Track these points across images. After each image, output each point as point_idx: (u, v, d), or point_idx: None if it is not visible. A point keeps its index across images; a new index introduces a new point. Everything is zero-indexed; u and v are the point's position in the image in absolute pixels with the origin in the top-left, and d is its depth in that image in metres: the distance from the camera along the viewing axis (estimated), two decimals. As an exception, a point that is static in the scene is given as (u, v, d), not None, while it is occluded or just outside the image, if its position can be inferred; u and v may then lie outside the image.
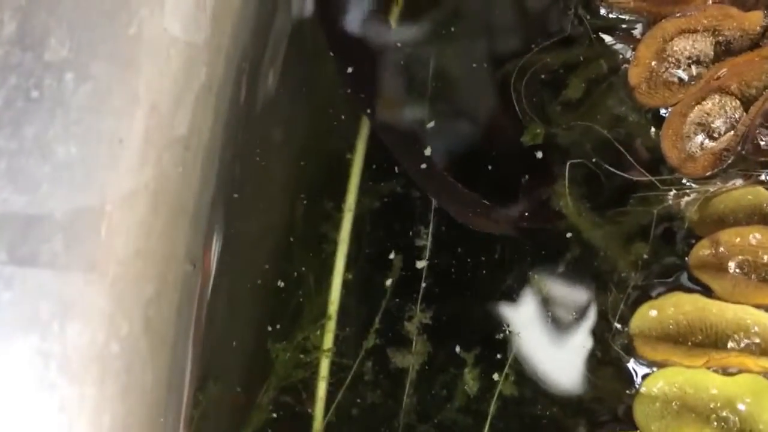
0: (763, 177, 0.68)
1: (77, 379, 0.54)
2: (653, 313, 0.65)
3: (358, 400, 0.71)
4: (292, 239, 0.74)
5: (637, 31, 0.70)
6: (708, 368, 0.62)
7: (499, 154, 0.69)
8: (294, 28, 0.72)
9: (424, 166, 0.67)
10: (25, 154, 0.55)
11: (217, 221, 0.67)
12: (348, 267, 0.75)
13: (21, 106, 0.55)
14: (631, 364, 0.64)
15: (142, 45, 0.58)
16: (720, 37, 0.70)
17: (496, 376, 0.68)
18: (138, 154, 0.57)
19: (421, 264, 0.73)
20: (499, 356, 0.69)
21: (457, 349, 0.70)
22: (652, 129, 0.69)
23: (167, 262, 0.59)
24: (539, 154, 0.69)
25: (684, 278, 0.66)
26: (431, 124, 0.70)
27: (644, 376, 0.63)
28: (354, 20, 0.69)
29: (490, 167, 0.69)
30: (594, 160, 0.69)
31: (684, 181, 0.68)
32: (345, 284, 0.75)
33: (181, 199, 0.60)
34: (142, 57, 0.58)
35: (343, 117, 0.76)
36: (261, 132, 0.71)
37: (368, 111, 0.68)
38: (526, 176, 0.68)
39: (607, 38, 0.71)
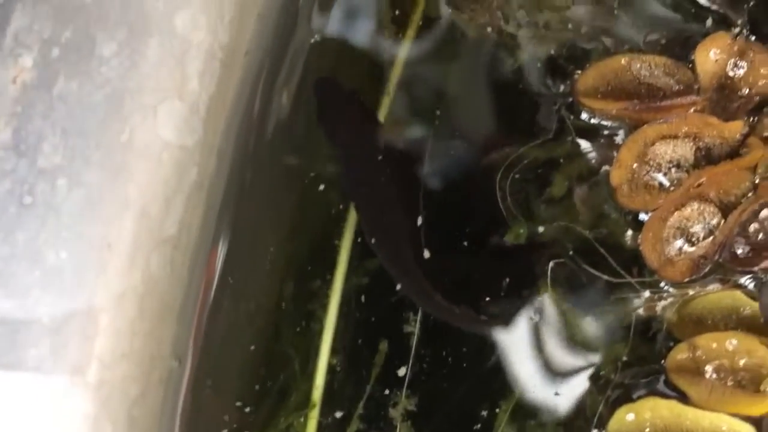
0: (741, 281, 0.70)
1: (59, 483, 0.55)
2: (630, 416, 0.65)
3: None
4: (278, 323, 0.76)
5: (619, 138, 0.72)
6: (682, 477, 0.63)
7: (485, 256, 0.70)
8: (282, 125, 0.74)
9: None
10: (16, 259, 0.57)
11: (207, 311, 0.68)
12: (334, 351, 0.77)
13: (14, 211, 0.57)
14: (608, 468, 0.66)
15: (133, 151, 0.59)
16: (700, 143, 0.71)
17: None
18: (126, 258, 0.58)
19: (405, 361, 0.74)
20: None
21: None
22: (630, 231, 0.72)
23: (153, 362, 0.60)
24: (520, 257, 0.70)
25: (662, 381, 0.67)
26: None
27: (618, 482, 0.65)
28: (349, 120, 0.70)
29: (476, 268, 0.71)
30: (575, 259, 0.71)
31: (663, 284, 0.70)
32: (330, 368, 0.77)
33: (168, 297, 0.62)
34: (134, 163, 0.59)
35: (331, 204, 0.79)
36: (251, 218, 0.73)
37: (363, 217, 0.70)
38: (509, 278, 0.69)
39: (590, 140, 0.73)
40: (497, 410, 0.69)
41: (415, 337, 0.75)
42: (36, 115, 0.58)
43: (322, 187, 0.75)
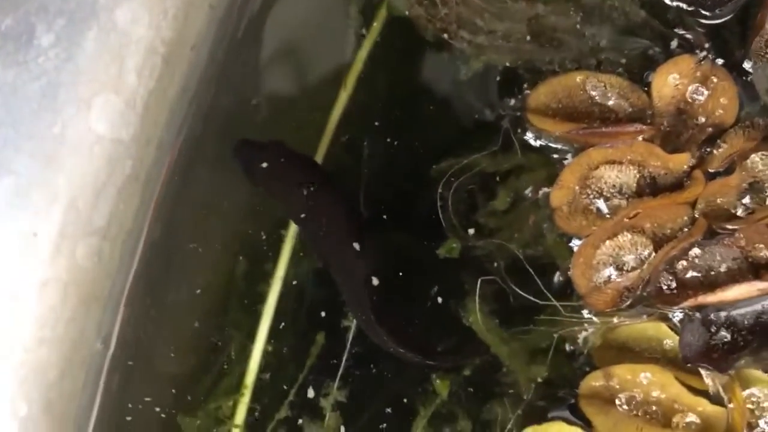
0: (669, 314, 0.70)
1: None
2: (535, 437, 0.67)
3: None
4: (226, 304, 0.78)
5: (567, 161, 0.71)
6: (576, 502, 0.65)
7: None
8: (233, 109, 0.75)
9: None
10: (-58, 242, 0.59)
11: (141, 297, 0.71)
12: (270, 338, 0.79)
13: (-59, 196, 0.59)
14: (507, 482, 0.68)
15: (65, 143, 0.60)
16: (645, 172, 0.71)
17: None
18: (51, 248, 0.60)
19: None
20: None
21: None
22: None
23: (74, 346, 0.63)
24: None
25: (571, 406, 0.68)
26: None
27: (514, 496, 0.67)
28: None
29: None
30: (504, 277, 0.71)
31: (587, 310, 0.70)
32: (265, 354, 0.79)
33: (94, 286, 0.64)
34: (65, 154, 0.60)
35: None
36: (191, 210, 0.74)
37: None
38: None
39: (537, 157, 0.73)
40: (416, 416, 0.72)
41: (351, 332, 0.76)
42: (-31, 103, 0.60)
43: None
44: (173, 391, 0.74)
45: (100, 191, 0.62)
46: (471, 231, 0.72)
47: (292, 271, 0.78)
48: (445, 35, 0.73)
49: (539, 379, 0.69)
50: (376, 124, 0.76)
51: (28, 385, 0.60)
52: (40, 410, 0.61)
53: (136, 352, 0.70)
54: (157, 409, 0.73)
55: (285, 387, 0.76)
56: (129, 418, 0.70)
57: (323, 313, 0.77)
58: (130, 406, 0.69)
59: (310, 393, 0.75)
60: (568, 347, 0.71)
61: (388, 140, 0.76)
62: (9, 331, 0.59)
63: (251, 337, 0.78)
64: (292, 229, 0.78)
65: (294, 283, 0.78)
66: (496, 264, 0.72)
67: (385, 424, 0.74)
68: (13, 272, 0.60)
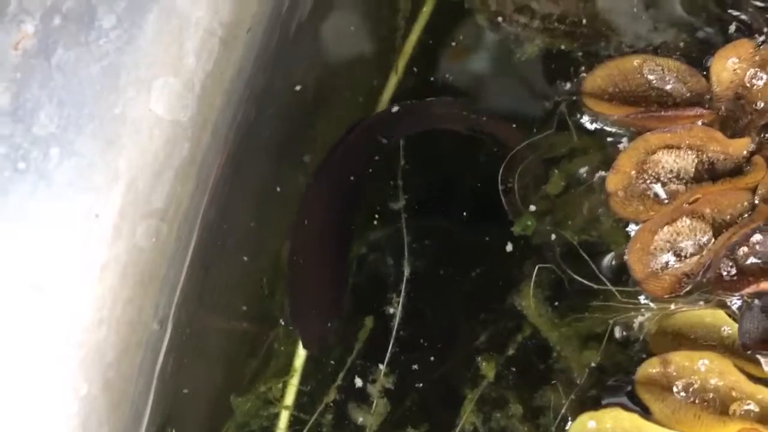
0: (727, 301, 0.69)
1: (35, 434, 0.59)
2: (592, 424, 0.67)
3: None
4: (267, 292, 0.78)
5: (622, 144, 0.71)
6: (634, 488, 0.65)
7: None
8: (285, 94, 0.75)
9: None
10: (7, 222, 0.59)
11: (193, 278, 0.71)
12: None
13: (7, 175, 0.59)
14: (564, 467, 0.67)
15: (126, 124, 0.61)
16: (703, 157, 0.70)
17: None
18: (112, 229, 0.61)
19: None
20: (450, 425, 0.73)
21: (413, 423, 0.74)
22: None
23: (132, 327, 0.63)
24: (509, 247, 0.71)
25: (627, 393, 0.68)
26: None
27: (572, 483, 0.66)
28: None
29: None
30: (559, 263, 0.71)
31: (643, 296, 0.69)
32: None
33: (152, 267, 0.64)
34: (125, 136, 0.61)
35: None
36: (244, 193, 0.74)
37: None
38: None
39: (592, 141, 0.72)
40: (465, 398, 0.72)
41: (397, 318, 0.76)
42: (34, 83, 0.60)
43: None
44: (225, 372, 0.75)
45: (158, 173, 0.63)
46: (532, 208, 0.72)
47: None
48: (500, 18, 0.73)
49: (592, 365, 0.69)
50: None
51: (88, 365, 0.61)
52: (99, 390, 0.62)
53: (190, 333, 0.71)
54: (210, 390, 0.73)
55: (332, 371, 0.77)
56: (184, 399, 0.71)
57: (370, 298, 0.78)
58: (185, 386, 0.70)
59: (358, 379, 0.76)
60: (622, 333, 0.71)
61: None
62: (69, 311, 0.60)
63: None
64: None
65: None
66: (551, 248, 0.72)
67: (432, 408, 0.75)
68: (75, 253, 0.60)
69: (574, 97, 0.72)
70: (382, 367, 0.75)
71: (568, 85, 0.73)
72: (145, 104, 0.61)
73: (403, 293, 0.76)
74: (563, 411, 0.68)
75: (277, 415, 0.76)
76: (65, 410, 0.60)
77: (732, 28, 0.73)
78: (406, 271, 0.76)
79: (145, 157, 0.62)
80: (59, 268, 0.59)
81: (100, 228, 0.60)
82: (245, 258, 0.76)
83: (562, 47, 0.73)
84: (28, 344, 0.59)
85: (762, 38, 0.72)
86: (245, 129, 0.70)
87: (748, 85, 0.72)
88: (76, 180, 0.60)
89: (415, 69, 0.78)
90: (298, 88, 0.76)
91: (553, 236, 0.71)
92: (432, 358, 0.75)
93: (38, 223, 0.59)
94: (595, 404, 0.68)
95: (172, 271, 0.66)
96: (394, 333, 0.76)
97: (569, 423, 0.68)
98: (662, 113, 0.69)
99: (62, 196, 0.60)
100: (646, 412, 0.67)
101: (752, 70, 0.72)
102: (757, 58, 0.72)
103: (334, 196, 0.74)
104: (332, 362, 0.77)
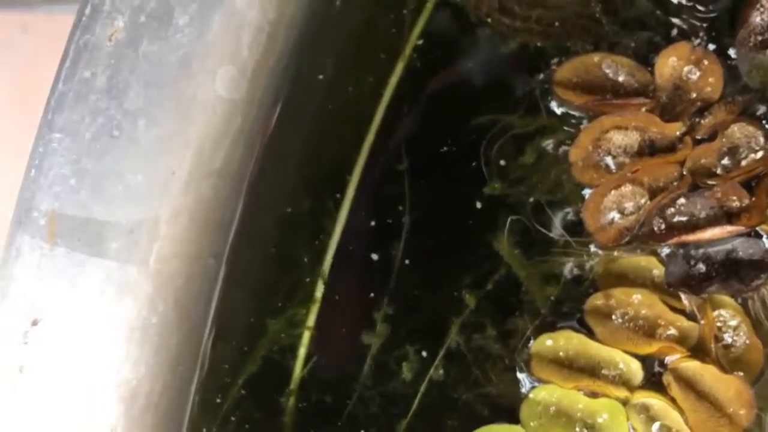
0: (659, 250, 0.88)
1: (126, 338, 0.77)
2: (549, 342, 0.85)
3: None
4: (299, 234, 0.96)
5: (583, 125, 0.88)
6: (579, 390, 0.84)
7: None
8: (311, 78, 0.91)
9: None
10: (105, 177, 0.76)
11: (242, 225, 0.88)
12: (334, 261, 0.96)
13: (105, 140, 0.76)
14: (526, 376, 0.86)
15: (196, 102, 0.77)
16: (646, 136, 0.87)
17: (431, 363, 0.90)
18: (184, 184, 0.78)
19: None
20: (435, 348, 0.91)
21: (411, 339, 0.92)
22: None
23: (196, 260, 0.81)
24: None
25: (577, 320, 0.87)
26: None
27: (532, 387, 0.85)
28: None
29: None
30: (529, 217, 0.89)
31: (593, 245, 0.88)
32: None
33: (213, 213, 0.81)
34: (195, 111, 0.77)
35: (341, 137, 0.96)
36: (281, 152, 0.91)
37: None
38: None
39: (559, 121, 0.90)
40: (450, 324, 0.90)
41: (398, 259, 0.94)
42: (124, 68, 0.76)
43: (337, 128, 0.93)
44: (261, 300, 0.93)
45: (219, 141, 0.79)
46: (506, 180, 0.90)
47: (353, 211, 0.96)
48: (489, 20, 0.89)
49: (552, 298, 0.87)
50: (427, 90, 0.93)
51: (163, 288, 0.78)
52: (171, 308, 0.79)
53: (235, 268, 0.88)
54: (250, 315, 0.91)
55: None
56: (230, 319, 0.89)
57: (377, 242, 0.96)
58: (231, 310, 0.88)
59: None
60: (575, 273, 0.89)
61: (437, 102, 0.93)
62: (151, 245, 0.77)
63: (320, 259, 0.96)
64: (355, 175, 0.96)
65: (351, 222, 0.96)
66: (523, 207, 0.90)
67: (425, 331, 0.93)
68: (155, 202, 0.77)
69: (546, 86, 0.89)
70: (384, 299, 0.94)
71: (541, 75, 0.90)
72: (211, 87, 0.78)
73: (403, 238, 0.94)
74: (528, 333, 0.87)
75: (301, 334, 0.95)
76: (148, 321, 0.78)
77: (674, 32, 0.90)
78: (407, 221, 0.94)
79: (209, 128, 0.78)
80: (145, 214, 0.77)
81: (175, 183, 0.78)
82: (288, 209, 0.93)
83: (538, 44, 0.90)
84: (120, 271, 0.77)
85: (697, 41, 0.90)
86: (283, 105, 0.87)
87: (684, 79, 0.89)
88: (158, 145, 0.77)
89: (416, 55, 0.95)
90: (321, 77, 0.92)
91: (525, 197, 0.90)
92: (426, 291, 0.94)
93: (128, 178, 0.76)
94: (551, 327, 0.88)
95: (226, 217, 0.84)
96: (395, 270, 0.95)
97: (532, 342, 0.88)
98: (614, 101, 0.86)
99: (147, 157, 0.77)
100: (591, 334, 0.86)
101: (688, 67, 0.89)
102: (692, 57, 0.89)
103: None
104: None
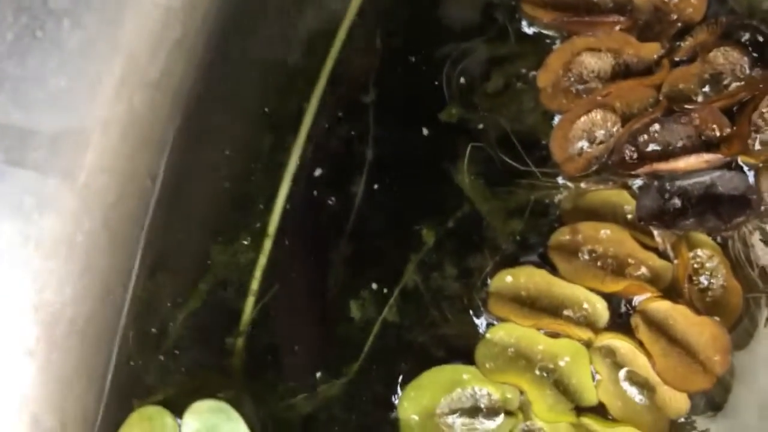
0: (630, 183, 0.81)
1: (47, 256, 0.71)
2: (509, 278, 0.79)
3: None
4: (253, 165, 0.90)
5: (555, 48, 0.82)
6: (539, 330, 0.77)
7: None
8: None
9: None
10: (26, 80, 0.71)
11: (183, 146, 0.82)
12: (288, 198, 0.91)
13: (27, 42, 0.71)
14: (484, 316, 0.80)
15: (127, 5, 0.72)
16: (620, 60, 0.81)
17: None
18: (113, 92, 0.72)
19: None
20: (388, 289, 0.85)
21: (366, 280, 0.86)
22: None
23: (129, 178, 0.75)
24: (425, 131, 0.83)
25: (539, 255, 0.80)
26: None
27: (489, 326, 0.79)
28: None
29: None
30: (493, 146, 0.82)
31: (561, 177, 0.81)
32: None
33: (148, 130, 0.76)
34: (126, 15, 0.72)
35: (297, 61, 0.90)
36: (229, 74, 0.85)
37: None
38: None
39: (530, 45, 0.83)
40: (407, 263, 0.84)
41: (359, 195, 0.88)
42: (51, -35, 0.71)
43: (293, 58, 0.87)
44: (209, 233, 0.87)
45: (154, 49, 0.74)
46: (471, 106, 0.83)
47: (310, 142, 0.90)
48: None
49: (515, 234, 0.81)
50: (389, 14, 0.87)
51: (91, 204, 0.73)
52: (100, 227, 0.74)
53: (179, 195, 0.83)
54: (196, 247, 0.86)
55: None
56: (173, 250, 0.84)
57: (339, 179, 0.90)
58: (173, 240, 0.82)
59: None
60: (541, 206, 0.83)
61: (401, 28, 0.87)
62: (76, 157, 0.72)
63: (272, 197, 0.90)
64: (312, 105, 0.90)
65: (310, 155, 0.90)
66: (488, 136, 0.83)
67: (383, 271, 0.87)
68: (81, 110, 0.72)
69: (513, 2, 0.83)
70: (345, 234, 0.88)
71: (510, -9, 0.84)
72: (143, -12, 0.73)
73: (365, 174, 0.89)
74: (488, 269, 0.81)
75: (252, 272, 0.89)
76: (71, 239, 0.73)
77: (657, -53, 0.83)
78: (369, 155, 0.88)
79: (143, 34, 0.73)
80: (68, 120, 0.71)
81: (103, 91, 0.72)
82: (227, 137, 0.88)
83: (505, -42, 0.84)
84: (41, 182, 0.72)
85: (681, -42, 0.83)
86: (228, 17, 0.81)
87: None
88: (84, 48, 0.71)
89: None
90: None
91: (490, 125, 0.83)
92: (385, 229, 0.88)
93: (52, 83, 0.71)
94: (513, 264, 0.81)
95: (164, 136, 0.79)
96: (355, 207, 0.89)
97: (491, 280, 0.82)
98: (586, 18, 0.80)
99: (72, 61, 0.71)
100: (554, 271, 0.80)
101: (670, -14, 0.83)
102: (675, -25, 0.82)
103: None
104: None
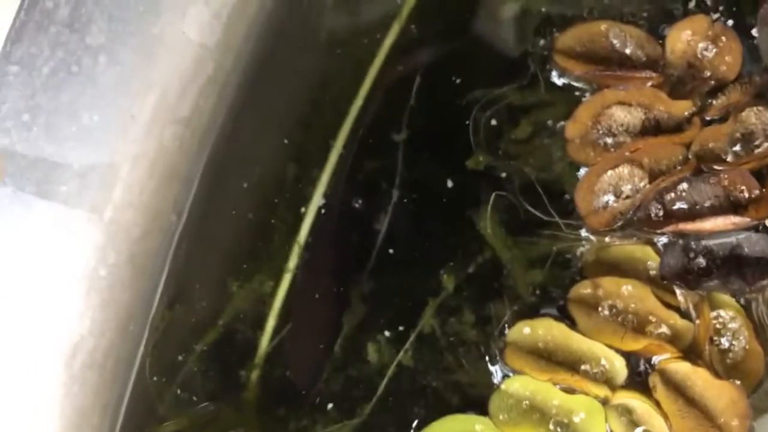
0: (655, 240, 0.81)
1: (69, 289, 0.72)
2: (527, 330, 0.79)
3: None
4: (276, 200, 0.90)
5: (585, 99, 0.81)
6: (555, 385, 0.77)
7: None
8: (299, 30, 0.86)
9: None
10: (59, 114, 0.72)
11: (209, 181, 0.83)
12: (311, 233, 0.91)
13: (62, 76, 0.72)
14: (500, 365, 0.80)
15: (162, 43, 0.73)
16: (650, 114, 0.80)
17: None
18: (144, 129, 0.73)
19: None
20: (405, 329, 0.85)
21: (384, 320, 0.86)
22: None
23: (155, 214, 0.76)
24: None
25: (560, 308, 0.80)
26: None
27: (504, 376, 0.79)
28: None
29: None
30: (516, 194, 0.82)
31: (584, 230, 0.81)
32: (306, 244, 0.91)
33: (175, 166, 0.77)
34: (161, 52, 0.73)
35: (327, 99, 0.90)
36: (259, 111, 0.86)
37: None
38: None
39: (560, 94, 0.83)
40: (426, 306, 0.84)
41: (382, 234, 0.88)
42: (89, 0, 0.72)
43: (322, 95, 0.88)
44: (230, 266, 0.88)
45: (186, 86, 0.75)
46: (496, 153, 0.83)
47: (336, 177, 0.90)
48: (489, -20, 0.83)
49: (536, 284, 0.81)
50: (425, 53, 0.87)
51: (116, 239, 0.74)
52: (124, 261, 0.75)
53: (202, 229, 0.84)
54: (216, 280, 0.86)
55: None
56: (193, 283, 0.84)
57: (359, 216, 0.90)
58: (194, 273, 0.83)
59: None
60: (563, 258, 0.83)
61: (434, 69, 0.87)
62: (104, 191, 0.73)
63: (295, 231, 0.91)
64: (340, 140, 0.91)
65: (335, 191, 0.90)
66: (512, 184, 0.83)
67: (401, 313, 0.87)
68: (111, 145, 0.73)
69: (546, 53, 0.82)
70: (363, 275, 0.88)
71: (542, 42, 0.83)
72: (179, 27, 0.73)
73: (389, 213, 0.89)
74: (506, 318, 0.81)
75: (270, 305, 0.90)
76: (95, 273, 0.74)
77: (692, 4, 0.83)
78: (395, 194, 0.88)
79: (176, 71, 0.74)
80: (98, 155, 0.72)
81: (134, 127, 0.73)
82: (252, 171, 0.88)
83: (542, 9, 0.84)
84: (69, 215, 0.73)
85: (717, 15, 0.82)
86: (264, 57, 0.82)
87: (699, 55, 0.82)
88: (118, 85, 0.72)
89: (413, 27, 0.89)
90: (311, 33, 0.87)
91: (516, 173, 0.83)
92: (405, 271, 0.88)
93: (84, 118, 0.72)
94: (531, 315, 0.81)
95: (191, 172, 0.79)
96: (377, 246, 0.89)
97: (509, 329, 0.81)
98: (618, 72, 0.79)
99: (105, 97, 0.72)
100: (573, 325, 0.79)
101: (704, 43, 0.82)
102: (710, 33, 0.81)
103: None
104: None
